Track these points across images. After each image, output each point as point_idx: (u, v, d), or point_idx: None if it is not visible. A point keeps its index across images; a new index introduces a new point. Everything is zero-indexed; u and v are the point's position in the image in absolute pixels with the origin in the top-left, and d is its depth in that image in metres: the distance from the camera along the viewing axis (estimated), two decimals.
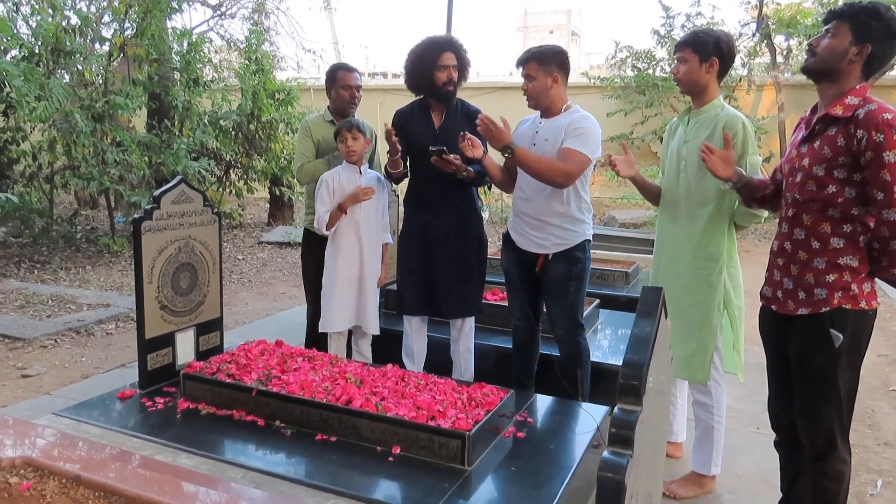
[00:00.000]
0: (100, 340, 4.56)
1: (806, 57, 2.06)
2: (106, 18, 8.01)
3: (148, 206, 2.78)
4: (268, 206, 10.39)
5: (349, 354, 3.33)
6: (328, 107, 3.55)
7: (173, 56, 8.19)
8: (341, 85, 3.45)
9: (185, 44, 8.21)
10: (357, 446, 2.28)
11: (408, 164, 3.20)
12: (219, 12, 11.53)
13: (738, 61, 11.14)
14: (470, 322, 3.23)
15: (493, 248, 4.02)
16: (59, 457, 1.79)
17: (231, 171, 9.38)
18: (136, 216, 2.73)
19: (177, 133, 8.05)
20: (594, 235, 3.00)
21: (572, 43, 50.61)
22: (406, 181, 3.29)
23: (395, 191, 4.02)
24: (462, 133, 2.83)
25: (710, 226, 2.55)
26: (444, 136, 3.06)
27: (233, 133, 8.87)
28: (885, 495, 2.77)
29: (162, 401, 2.63)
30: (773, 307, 2.15)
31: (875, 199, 1.88)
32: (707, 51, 2.52)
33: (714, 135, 2.50)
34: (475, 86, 12.64)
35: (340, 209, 3.10)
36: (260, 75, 8.80)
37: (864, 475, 2.91)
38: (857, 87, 1.96)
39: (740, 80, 11.11)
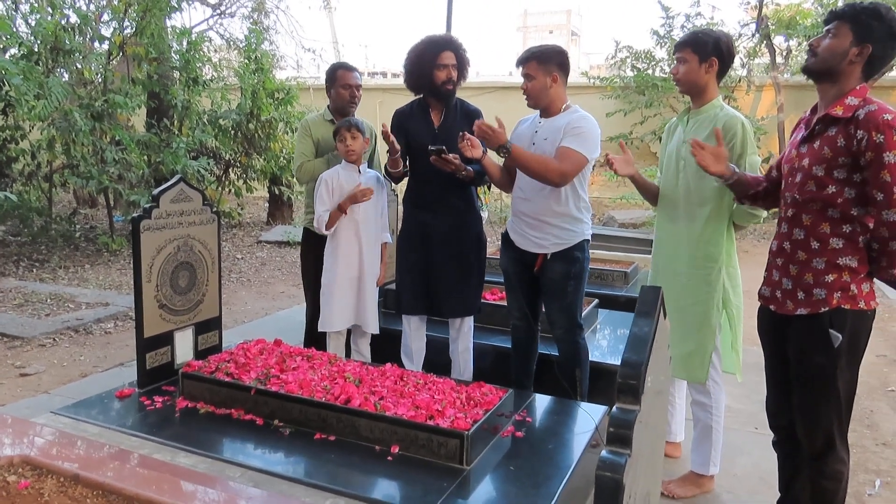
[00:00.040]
0: (98, 339, 4.56)
1: (806, 57, 2.06)
2: (105, 17, 8.00)
3: (147, 205, 2.78)
4: (267, 205, 10.39)
5: (348, 354, 3.33)
6: (328, 106, 3.55)
7: (173, 55, 8.19)
8: (341, 84, 3.44)
9: (185, 43, 8.20)
10: (356, 445, 2.28)
11: (407, 163, 3.20)
12: (218, 11, 11.52)
13: (737, 62, 11.15)
14: (469, 321, 3.23)
15: (493, 247, 4.02)
16: (58, 455, 1.79)
17: (230, 170, 9.38)
18: (134, 215, 2.73)
19: (176, 132, 8.04)
20: (593, 235, 3.01)
21: (572, 43, 50.61)
22: (405, 180, 3.29)
23: (394, 190, 4.02)
24: (461, 133, 2.83)
25: (708, 226, 2.56)
26: (444, 135, 3.06)
27: (232, 132, 8.86)
28: (884, 495, 2.77)
29: (160, 400, 2.63)
30: (772, 307, 2.15)
31: (875, 199, 1.88)
32: (706, 51, 2.52)
33: (713, 135, 2.50)
34: (475, 85, 12.63)
35: (340, 209, 3.10)
36: (259, 74, 8.80)
37: (862, 475, 2.91)
38: (858, 87, 1.96)
39: (740, 80, 11.11)
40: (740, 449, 3.08)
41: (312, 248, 3.42)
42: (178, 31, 8.32)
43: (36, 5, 7.17)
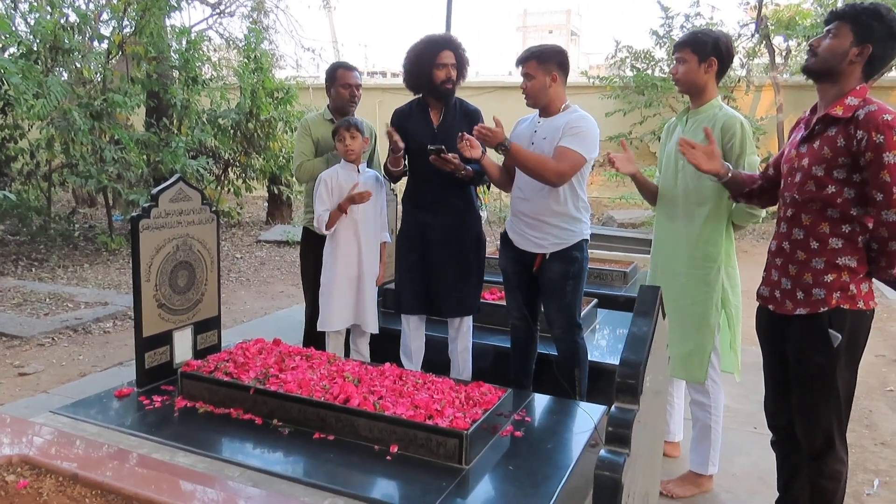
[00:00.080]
0: (97, 339, 4.56)
1: (806, 57, 2.06)
2: (104, 16, 8.00)
3: (146, 205, 2.77)
4: (266, 204, 10.38)
5: (347, 353, 3.33)
6: (328, 105, 3.55)
7: (172, 54, 8.19)
8: (341, 83, 3.44)
9: (184, 42, 8.20)
10: (355, 445, 2.28)
11: (406, 162, 3.20)
12: (218, 10, 11.52)
13: (736, 62, 11.15)
14: (468, 321, 3.23)
15: (492, 247, 4.02)
16: (57, 455, 1.79)
17: (229, 169, 9.37)
18: (134, 214, 2.73)
19: (175, 131, 8.04)
20: (592, 235, 3.01)
21: (571, 43, 50.61)
22: (404, 180, 3.29)
23: (393, 190, 4.02)
24: (460, 134, 2.83)
25: (707, 225, 2.56)
26: (443, 134, 3.06)
27: (231, 131, 8.86)
28: (882, 495, 2.77)
29: (159, 399, 2.63)
30: (771, 307, 2.15)
31: (874, 199, 1.88)
32: (706, 51, 2.53)
33: (713, 135, 2.50)
34: (474, 85, 12.63)
35: (340, 209, 3.10)
36: (259, 74, 8.80)
37: (861, 475, 2.91)
38: (858, 87, 1.96)
39: (739, 80, 11.12)
40: (739, 448, 3.08)
41: (312, 247, 3.42)
42: (177, 30, 8.32)
43: (35, 4, 7.16)
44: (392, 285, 3.64)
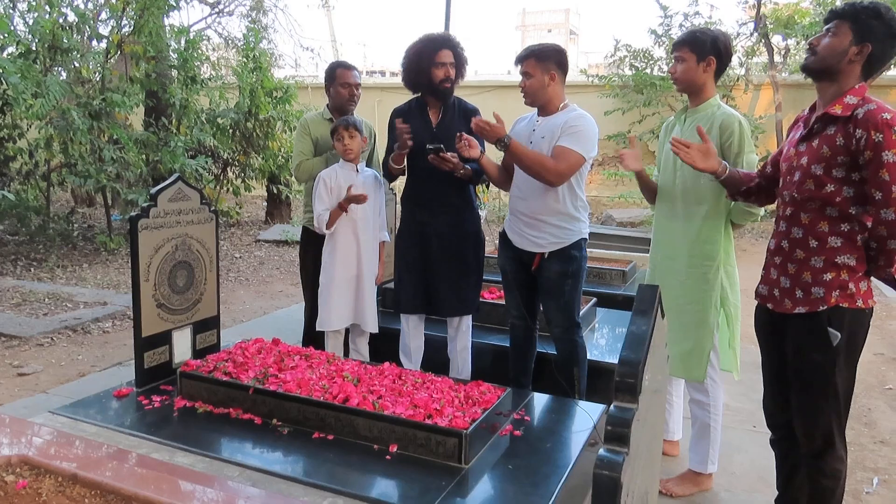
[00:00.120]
0: (96, 338, 4.56)
1: (806, 55, 2.06)
2: (103, 16, 8.00)
3: (145, 204, 2.77)
4: (265, 204, 10.38)
5: (346, 353, 3.33)
6: (327, 105, 3.55)
7: (171, 53, 8.18)
8: (340, 83, 3.44)
9: (183, 41, 8.19)
10: (354, 444, 2.28)
11: (405, 161, 3.20)
12: (216, 10, 11.52)
13: (735, 61, 11.16)
14: (467, 320, 3.23)
15: (491, 246, 4.02)
16: (56, 455, 1.79)
17: (228, 169, 9.37)
18: (132, 214, 2.72)
19: (174, 131, 8.03)
20: (591, 234, 3.01)
21: (570, 42, 50.58)
22: (403, 179, 3.29)
23: (392, 189, 4.02)
24: (458, 134, 2.83)
25: (706, 224, 2.56)
26: (442, 134, 3.05)
27: (230, 131, 8.86)
28: (881, 493, 2.78)
29: (158, 399, 2.63)
30: (770, 305, 2.15)
31: (873, 198, 1.89)
32: (704, 50, 2.53)
33: (710, 133, 2.50)
34: (473, 84, 12.63)
35: (341, 208, 3.10)
36: (258, 73, 8.79)
37: (860, 473, 2.92)
38: (857, 86, 1.96)
39: (738, 79, 11.13)
40: (738, 447, 3.09)
41: (311, 247, 3.42)
42: (176, 29, 8.31)
43: (34, 3, 7.15)
44: (391, 285, 3.64)
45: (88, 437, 2.18)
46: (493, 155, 3.04)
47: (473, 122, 2.73)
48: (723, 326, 2.64)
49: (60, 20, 7.03)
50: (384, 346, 3.38)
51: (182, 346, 2.91)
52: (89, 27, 7.45)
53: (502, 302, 3.31)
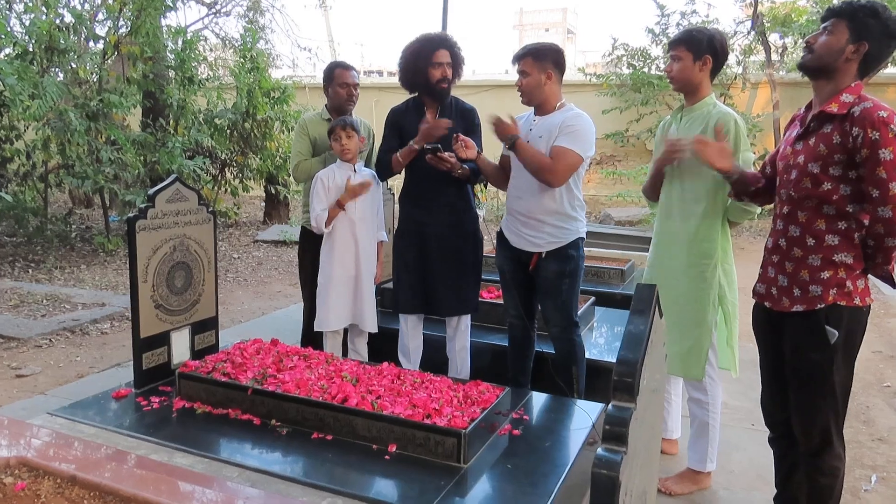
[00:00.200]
0: (95, 340, 4.55)
1: (803, 53, 2.07)
2: (100, 16, 7.99)
3: (143, 205, 2.77)
4: (263, 204, 10.37)
5: (345, 353, 3.33)
6: (326, 105, 3.55)
7: (168, 54, 8.16)
8: (339, 83, 3.44)
9: (180, 42, 8.18)
10: (353, 445, 2.28)
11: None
12: (214, 10, 11.50)
13: (733, 59, 11.17)
14: (466, 320, 3.24)
15: (490, 245, 4.03)
16: (54, 457, 1.79)
17: (226, 169, 9.36)
18: (130, 215, 2.72)
19: (172, 131, 8.02)
20: (590, 233, 3.01)
21: (568, 41, 50.57)
22: (401, 179, 3.29)
23: (390, 189, 4.02)
24: (455, 135, 2.83)
25: (703, 223, 2.56)
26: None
27: (228, 131, 8.85)
28: (880, 490, 2.78)
29: (157, 400, 2.63)
30: (767, 304, 2.15)
31: (870, 196, 1.89)
32: (700, 49, 2.53)
33: (706, 132, 2.51)
34: (471, 83, 12.63)
35: (339, 205, 3.10)
36: (255, 73, 8.78)
37: (858, 471, 2.92)
38: (853, 84, 1.97)
39: (735, 78, 11.13)
40: (737, 445, 3.09)
41: (310, 247, 3.42)
42: (173, 30, 8.30)
43: (30, 4, 7.14)
44: (389, 284, 3.64)
45: (87, 438, 2.18)
46: (490, 155, 3.05)
47: (491, 116, 2.73)
48: (721, 325, 2.65)
49: (57, 21, 7.02)
50: (383, 346, 3.38)
51: (180, 347, 2.91)
52: (86, 28, 7.43)
53: (501, 301, 3.31)
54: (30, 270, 6.51)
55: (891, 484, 2.83)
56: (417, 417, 2.26)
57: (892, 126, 1.85)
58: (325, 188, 3.12)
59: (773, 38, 11.34)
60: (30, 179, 7.76)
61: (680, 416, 3.03)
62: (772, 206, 2.24)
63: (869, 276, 2.03)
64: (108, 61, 7.72)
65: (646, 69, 11.58)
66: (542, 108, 2.85)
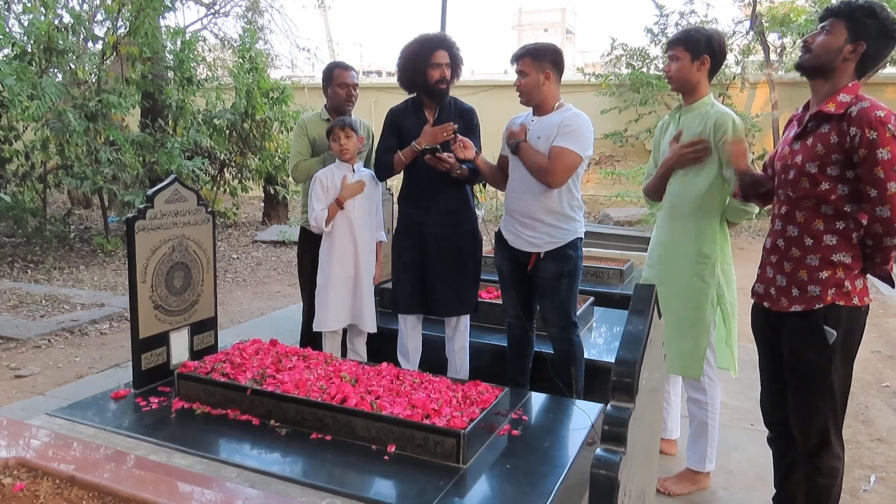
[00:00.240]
0: (94, 340, 4.55)
1: (801, 53, 2.07)
2: (99, 17, 7.99)
3: (141, 206, 2.77)
4: (262, 204, 10.37)
5: (344, 353, 3.33)
6: (325, 105, 3.55)
7: (167, 55, 8.16)
8: (338, 83, 3.45)
9: (179, 42, 8.17)
10: (352, 445, 2.28)
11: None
12: (212, 10, 11.50)
13: (731, 59, 11.17)
14: (465, 320, 3.24)
15: (489, 245, 4.03)
16: (53, 457, 1.78)
17: (225, 169, 9.35)
18: (129, 215, 2.72)
19: (170, 132, 8.02)
20: (589, 233, 3.01)
21: (567, 41, 50.60)
22: (400, 178, 3.29)
23: (389, 189, 4.02)
24: (454, 135, 2.84)
25: (702, 222, 2.56)
26: None
27: (227, 132, 8.84)
28: (879, 490, 2.78)
29: (156, 400, 2.63)
30: (766, 304, 2.15)
31: (868, 195, 1.89)
32: (698, 49, 2.53)
33: (704, 132, 2.51)
34: (470, 84, 12.64)
35: (338, 203, 3.10)
36: (254, 74, 8.77)
37: (857, 471, 2.92)
38: (850, 84, 1.97)
39: (734, 77, 11.14)
40: (736, 445, 3.09)
41: (309, 247, 3.42)
42: (172, 30, 8.30)
43: (29, 5, 7.14)
44: (388, 285, 3.64)
45: (86, 438, 2.18)
46: (488, 155, 3.05)
47: (507, 129, 2.79)
48: (719, 324, 2.65)
49: (56, 21, 7.01)
50: (382, 347, 3.38)
51: (179, 348, 2.91)
52: (85, 29, 7.43)
53: (500, 302, 3.31)
54: (29, 271, 6.51)
55: (890, 484, 2.84)
56: (416, 418, 2.26)
57: (889, 126, 1.85)
58: (323, 188, 3.13)
59: (772, 37, 11.35)
60: (29, 180, 7.75)
61: (679, 416, 3.03)
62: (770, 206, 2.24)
63: (868, 275, 2.03)
64: (107, 62, 7.72)
65: (644, 69, 11.59)
66: (540, 109, 2.85)
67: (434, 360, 3.29)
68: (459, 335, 3.23)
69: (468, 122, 3.15)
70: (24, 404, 3.35)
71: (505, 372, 3.13)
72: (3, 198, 6.11)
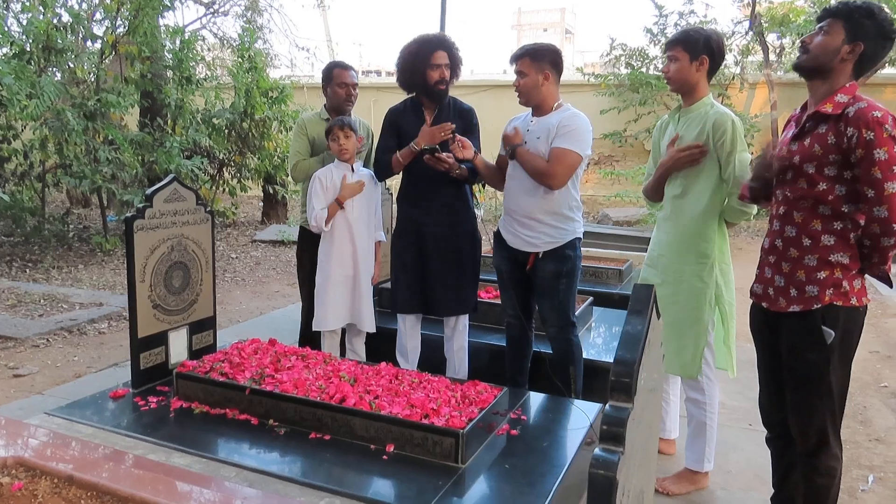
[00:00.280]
0: (92, 339, 4.55)
1: (799, 54, 2.07)
2: (98, 16, 7.97)
3: (140, 205, 2.77)
4: (261, 204, 10.37)
5: (343, 353, 3.33)
6: (325, 105, 3.55)
7: (166, 54, 8.15)
8: (337, 83, 3.45)
9: (178, 41, 8.16)
10: (351, 445, 2.28)
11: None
12: (212, 10, 11.48)
13: (730, 59, 11.18)
14: (464, 320, 3.24)
15: (488, 245, 4.03)
16: (52, 457, 1.78)
17: (224, 169, 9.35)
18: (128, 215, 2.72)
19: (169, 131, 8.02)
20: (588, 233, 3.01)
21: (566, 41, 50.61)
22: (399, 178, 3.29)
23: (388, 188, 4.02)
24: (453, 136, 2.84)
25: (701, 223, 2.56)
26: None
27: (226, 131, 8.84)
28: (877, 491, 2.79)
29: (155, 400, 2.63)
30: (764, 304, 2.16)
31: (865, 196, 1.90)
32: (697, 49, 2.53)
33: (703, 132, 2.51)
34: (469, 84, 12.63)
35: (338, 203, 3.10)
36: (253, 73, 8.77)
37: (855, 471, 2.93)
38: (847, 84, 1.97)
39: (733, 78, 11.15)
40: (734, 445, 3.10)
41: (308, 246, 3.42)
42: (171, 29, 8.29)
43: (28, 4, 7.13)
44: (387, 284, 3.64)
45: (84, 438, 2.18)
46: (487, 155, 3.05)
47: (505, 132, 2.78)
48: (718, 324, 2.65)
49: (54, 20, 7.01)
50: (381, 346, 3.38)
51: (178, 347, 2.91)
52: (83, 27, 7.42)
53: (499, 301, 3.32)
54: (27, 270, 6.50)
55: (888, 484, 2.84)
56: (415, 417, 2.26)
57: (886, 126, 1.85)
58: (323, 187, 3.13)
59: (771, 38, 11.36)
60: (27, 179, 7.75)
61: (678, 416, 3.03)
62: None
63: (866, 275, 2.03)
64: (106, 61, 7.71)
65: (644, 69, 11.60)
66: (539, 109, 2.85)
67: (433, 359, 3.29)
68: (458, 335, 3.23)
69: (467, 122, 3.15)
70: (22, 403, 3.34)
71: (504, 372, 3.13)
72: (1, 197, 6.10)
